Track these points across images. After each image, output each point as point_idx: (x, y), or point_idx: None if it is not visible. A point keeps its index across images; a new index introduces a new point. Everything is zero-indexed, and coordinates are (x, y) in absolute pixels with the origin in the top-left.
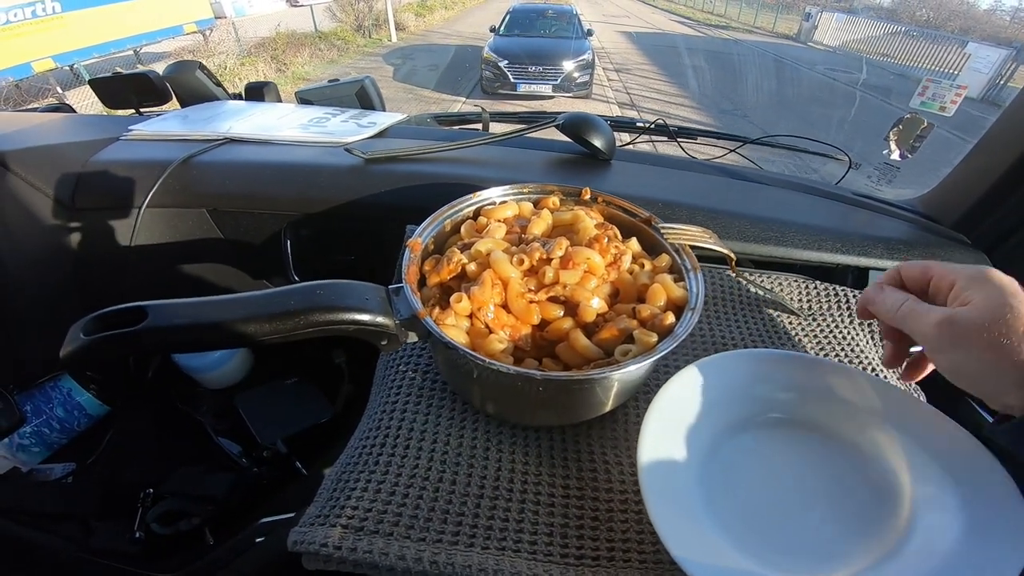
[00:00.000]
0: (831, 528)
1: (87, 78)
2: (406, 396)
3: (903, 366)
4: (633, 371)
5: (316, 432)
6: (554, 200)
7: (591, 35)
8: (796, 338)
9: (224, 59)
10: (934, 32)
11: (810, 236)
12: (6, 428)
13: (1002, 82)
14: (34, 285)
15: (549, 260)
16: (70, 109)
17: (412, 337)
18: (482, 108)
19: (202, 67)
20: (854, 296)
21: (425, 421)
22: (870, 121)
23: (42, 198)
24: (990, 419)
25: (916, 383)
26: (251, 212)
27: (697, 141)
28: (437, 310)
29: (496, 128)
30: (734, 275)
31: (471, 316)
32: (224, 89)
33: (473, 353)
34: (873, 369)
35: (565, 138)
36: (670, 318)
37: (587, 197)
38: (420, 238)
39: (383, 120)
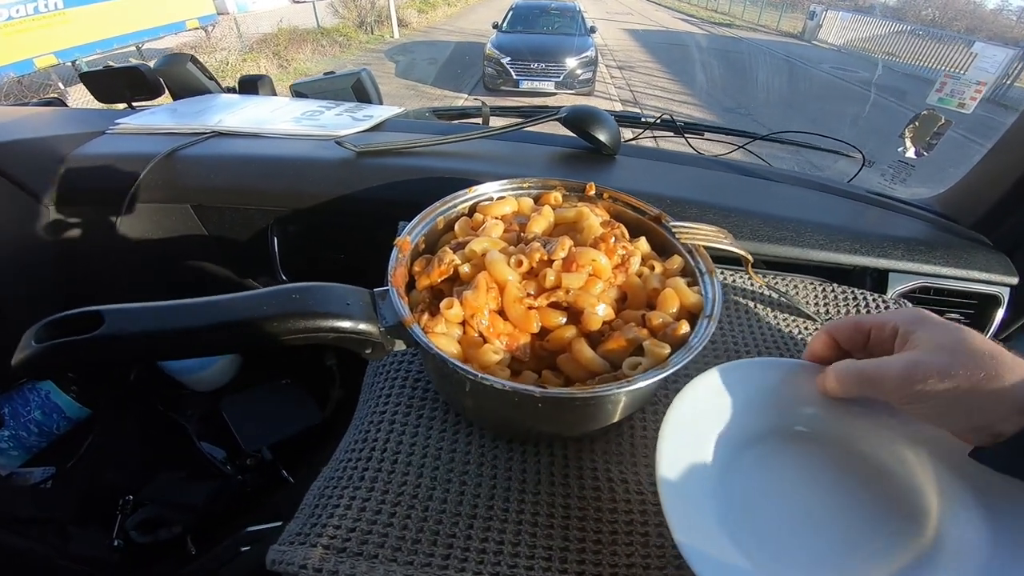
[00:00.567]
0: (853, 547)
1: None
2: (395, 406)
3: None
4: (644, 387)
5: (304, 438)
6: (556, 196)
7: (594, 32)
8: None
9: (226, 55)
10: (940, 31)
11: (827, 236)
12: None
13: (1009, 82)
14: (10, 283)
15: (550, 262)
16: (62, 103)
17: (399, 345)
18: (482, 102)
19: (194, 60)
20: (873, 300)
21: (415, 433)
22: (877, 120)
23: (20, 193)
24: None
25: None
26: (237, 208)
27: (704, 137)
28: (426, 316)
29: (496, 123)
30: (750, 277)
31: (463, 323)
32: (217, 82)
33: (464, 366)
34: None
35: (567, 132)
36: (684, 327)
37: (592, 193)
38: (409, 237)
39: (379, 113)
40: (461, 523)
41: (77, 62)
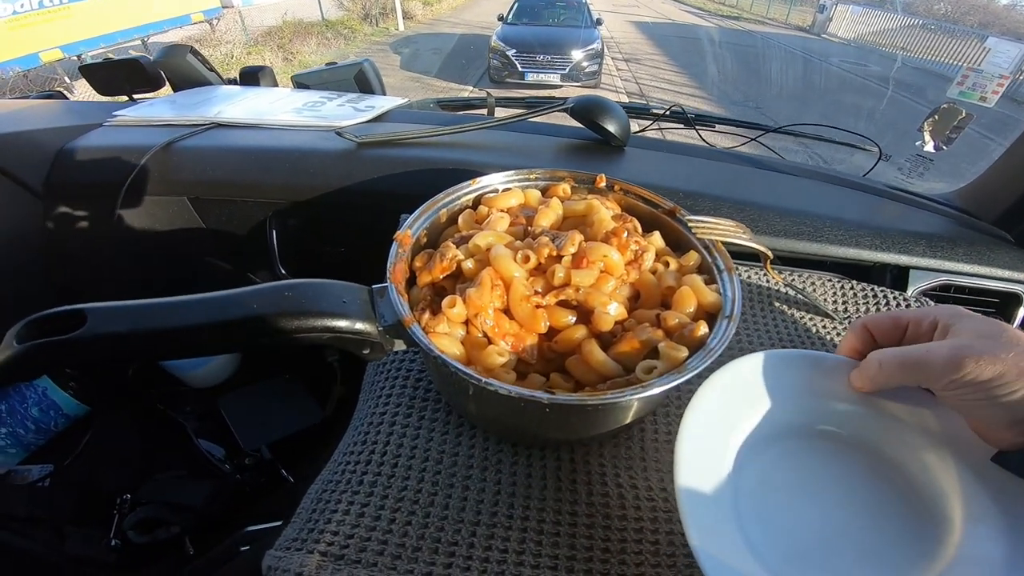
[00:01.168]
0: (874, 556)
1: None
2: (395, 406)
3: None
4: (659, 393)
5: (304, 437)
6: (565, 188)
7: (600, 24)
8: (831, 343)
9: (231, 48)
10: (952, 26)
11: (845, 231)
12: None
13: (1023, 77)
14: (4, 278)
15: (559, 257)
16: (62, 96)
17: (399, 345)
18: (488, 92)
19: (194, 51)
20: (894, 298)
21: (416, 435)
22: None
23: (14, 186)
24: None
25: None
26: (235, 200)
27: (715, 129)
28: (427, 315)
29: (502, 113)
30: (768, 274)
31: (467, 323)
32: (218, 74)
33: (466, 369)
34: None
35: (574, 123)
36: (702, 328)
37: (602, 185)
38: (410, 230)
39: (382, 104)
40: (464, 530)
41: (82, 56)
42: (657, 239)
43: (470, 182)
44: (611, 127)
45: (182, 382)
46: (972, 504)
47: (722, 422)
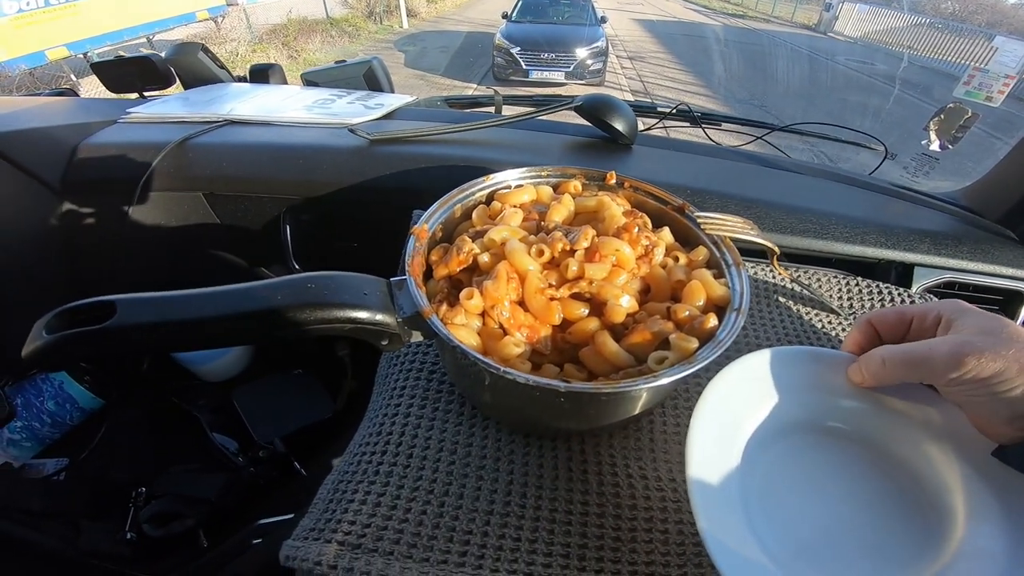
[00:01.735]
0: (879, 550)
1: None
2: (410, 398)
3: None
4: (670, 382)
5: (316, 430)
6: (576, 184)
7: (605, 22)
8: (836, 339)
9: (236, 46)
10: (960, 25)
11: (851, 228)
12: None
13: None
14: (22, 273)
15: (572, 251)
16: (74, 94)
17: (416, 336)
18: (495, 91)
19: (205, 49)
20: (899, 294)
21: (430, 427)
22: (894, 112)
23: (31, 182)
24: None
25: None
26: (249, 196)
27: (721, 127)
28: (444, 307)
29: (509, 111)
30: (775, 270)
31: (483, 314)
32: (228, 71)
33: (485, 359)
34: None
35: (581, 122)
36: (712, 320)
37: (612, 182)
38: (427, 225)
39: (391, 102)
40: (477, 519)
41: (89, 54)
42: (667, 235)
43: (483, 178)
44: (619, 125)
45: (196, 376)
46: (974, 498)
47: (731, 417)
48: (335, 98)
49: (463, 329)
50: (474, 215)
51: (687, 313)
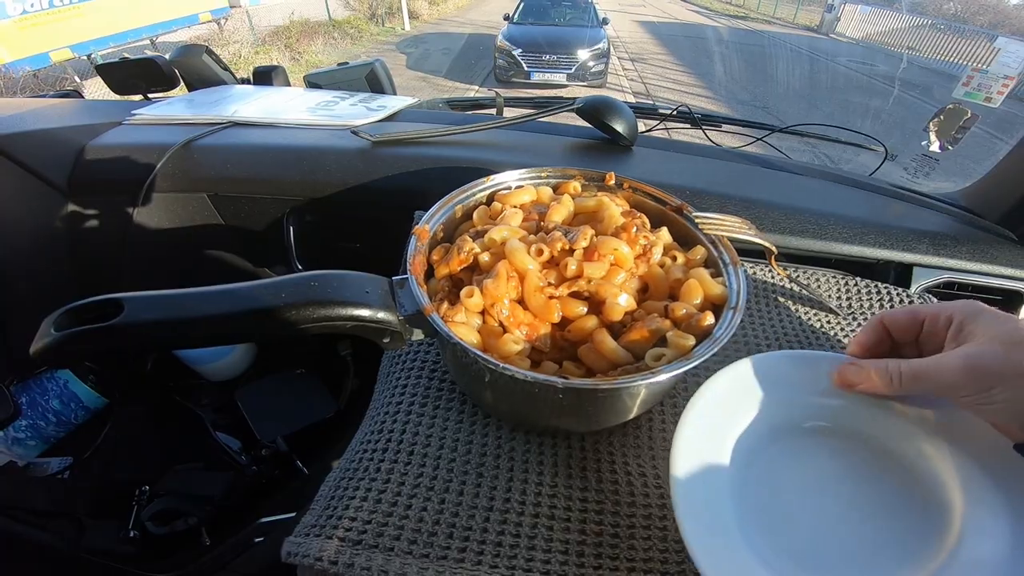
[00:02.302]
0: (873, 546)
1: None
2: (411, 396)
3: None
4: (668, 379)
5: (318, 429)
6: (575, 185)
7: (606, 24)
8: (835, 339)
9: (239, 48)
10: (962, 26)
11: (850, 229)
12: (1, 421)
13: None
14: (29, 273)
15: (571, 251)
16: (79, 95)
17: (417, 334)
18: (496, 92)
19: (209, 51)
20: (897, 294)
21: (431, 424)
22: (896, 114)
23: (38, 183)
24: None
25: None
26: (253, 197)
27: (722, 129)
28: (445, 305)
29: (510, 113)
30: (774, 270)
31: (483, 312)
32: (232, 73)
33: (485, 356)
34: None
35: (582, 123)
36: (709, 318)
37: (611, 182)
38: (428, 225)
39: (393, 103)
40: (477, 516)
41: (92, 56)
42: (665, 234)
43: (484, 179)
44: (619, 127)
45: (199, 375)
46: (973, 494)
47: (718, 421)
48: (338, 100)
49: (463, 327)
50: (475, 215)
51: (684, 311)
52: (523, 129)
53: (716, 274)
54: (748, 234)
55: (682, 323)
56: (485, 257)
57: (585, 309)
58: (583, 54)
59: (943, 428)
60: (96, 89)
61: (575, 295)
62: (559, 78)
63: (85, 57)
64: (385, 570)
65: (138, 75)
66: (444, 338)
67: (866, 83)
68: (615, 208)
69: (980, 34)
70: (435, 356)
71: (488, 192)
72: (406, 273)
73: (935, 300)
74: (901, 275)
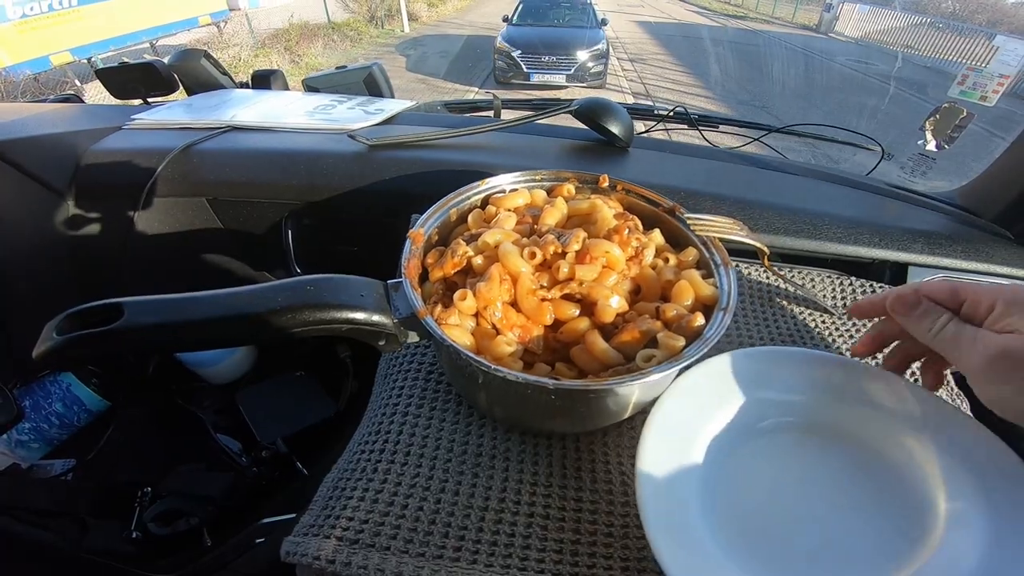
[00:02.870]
0: (849, 544)
1: None
2: (408, 398)
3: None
4: (658, 379)
5: (318, 431)
6: (569, 188)
7: (605, 24)
8: (829, 338)
9: (238, 51)
10: (960, 24)
11: (845, 228)
12: (4, 424)
13: None
14: (31, 277)
15: (564, 254)
16: (79, 100)
17: (412, 337)
18: (494, 95)
19: (207, 55)
20: None
21: (428, 426)
22: (896, 113)
23: (40, 189)
24: None
25: (959, 389)
26: (251, 201)
27: (719, 130)
28: (439, 308)
29: (508, 115)
30: (766, 270)
31: (477, 315)
32: (231, 77)
33: (477, 358)
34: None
35: (579, 125)
36: (699, 319)
37: (605, 185)
38: (423, 228)
39: (391, 107)
40: (473, 515)
41: (92, 59)
42: (657, 236)
43: (479, 183)
44: (614, 128)
45: (200, 378)
46: (955, 488)
47: (687, 423)
48: (336, 104)
49: (457, 329)
50: (469, 219)
51: (675, 312)
52: (521, 131)
53: (707, 275)
54: (740, 235)
55: (673, 324)
56: (478, 260)
57: (577, 311)
58: (582, 55)
59: (929, 425)
60: (96, 93)
61: (567, 297)
62: (558, 79)
63: (85, 60)
64: (381, 569)
65: (138, 79)
66: (438, 341)
67: (864, 82)
68: (608, 210)
69: (979, 32)
70: (432, 359)
71: (483, 195)
72: (401, 276)
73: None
74: (896, 274)
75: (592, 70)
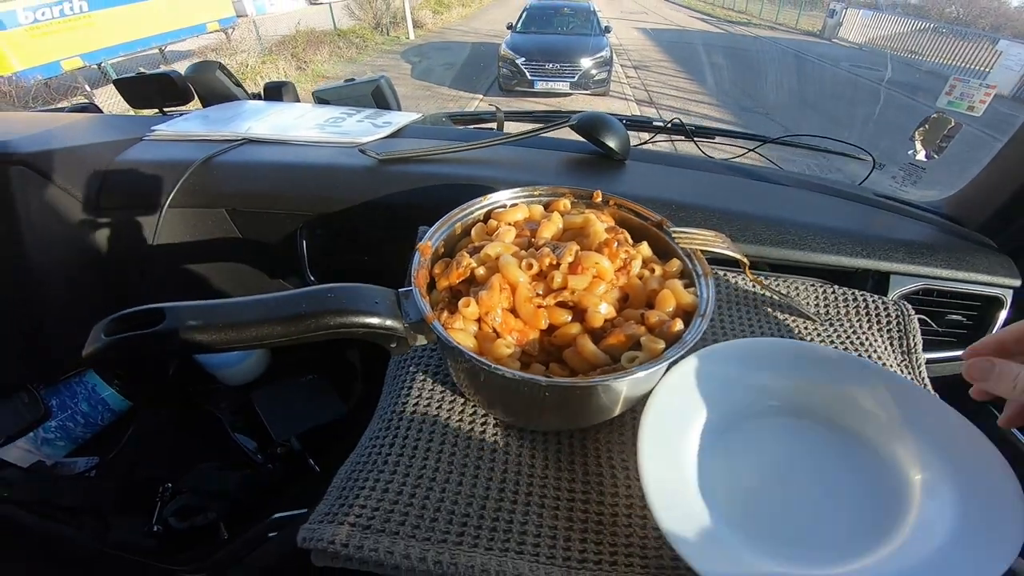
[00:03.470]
0: (836, 518)
1: (113, 76)
2: (416, 397)
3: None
4: (640, 378)
5: (329, 429)
6: (565, 203)
7: (609, 32)
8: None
9: (246, 57)
10: (964, 29)
11: (829, 239)
12: (32, 422)
13: None
14: (59, 283)
15: (558, 265)
16: (97, 109)
17: (421, 340)
18: (496, 108)
19: (222, 67)
20: (872, 301)
21: (434, 422)
22: (897, 119)
23: (68, 198)
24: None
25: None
26: (268, 212)
27: (716, 140)
28: (445, 314)
29: (511, 127)
30: (749, 279)
31: (479, 320)
32: (244, 89)
33: (479, 358)
34: None
35: (579, 138)
36: (678, 325)
37: (598, 200)
38: (430, 241)
39: (398, 120)
40: (475, 504)
41: (102, 64)
42: (645, 248)
43: (481, 198)
44: (611, 142)
45: (218, 380)
46: (927, 468)
47: (676, 415)
48: (345, 116)
49: (461, 333)
50: (473, 232)
51: (657, 318)
52: (521, 144)
53: (689, 285)
54: (721, 247)
55: (655, 329)
56: (481, 271)
57: (569, 317)
58: (586, 62)
59: (902, 408)
60: (107, 97)
61: (561, 304)
62: (562, 86)
63: (95, 66)
64: (391, 552)
65: (154, 89)
66: (444, 343)
67: (869, 87)
68: (600, 225)
69: (982, 37)
70: (437, 361)
71: (485, 210)
72: (411, 285)
73: (910, 307)
74: (879, 282)
75: (596, 77)
